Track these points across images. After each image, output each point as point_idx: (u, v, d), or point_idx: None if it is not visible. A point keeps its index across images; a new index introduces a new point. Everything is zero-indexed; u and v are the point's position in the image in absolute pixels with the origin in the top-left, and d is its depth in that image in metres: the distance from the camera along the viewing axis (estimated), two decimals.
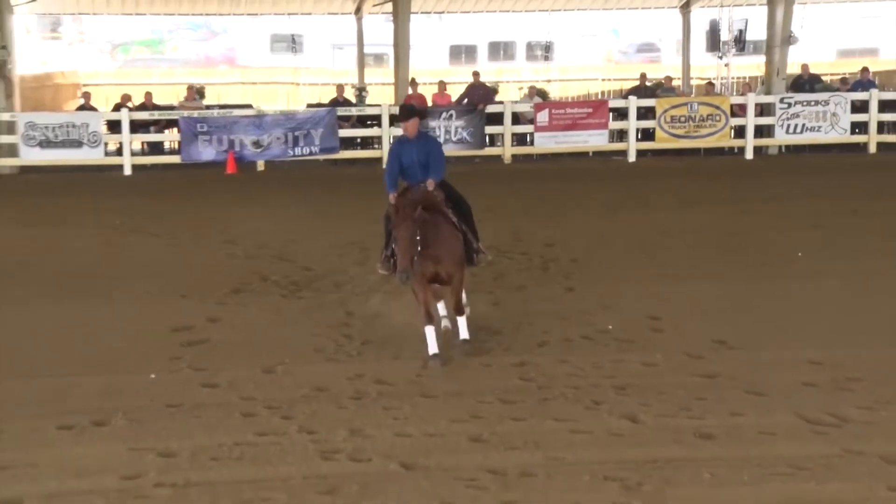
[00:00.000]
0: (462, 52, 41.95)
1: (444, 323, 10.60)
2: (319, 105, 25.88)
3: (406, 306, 10.55)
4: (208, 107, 25.92)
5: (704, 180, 21.28)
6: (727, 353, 10.17)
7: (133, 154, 23.77)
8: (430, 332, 9.96)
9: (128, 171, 23.19)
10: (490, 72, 34.40)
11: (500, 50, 42.69)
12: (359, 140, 25.29)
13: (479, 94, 25.24)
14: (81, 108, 25.54)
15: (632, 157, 24.33)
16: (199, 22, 43.31)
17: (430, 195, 10.24)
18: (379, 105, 25.11)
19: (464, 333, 10.27)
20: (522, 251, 14.59)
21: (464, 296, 10.59)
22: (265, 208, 18.33)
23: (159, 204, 19.02)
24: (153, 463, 7.72)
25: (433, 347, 9.90)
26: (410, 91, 24.71)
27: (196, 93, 27.10)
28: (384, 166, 10.70)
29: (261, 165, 23.55)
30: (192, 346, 10.67)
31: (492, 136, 24.62)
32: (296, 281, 13.22)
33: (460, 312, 10.29)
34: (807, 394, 8.98)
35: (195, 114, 23.99)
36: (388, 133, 23.08)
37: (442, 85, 26.19)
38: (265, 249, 14.86)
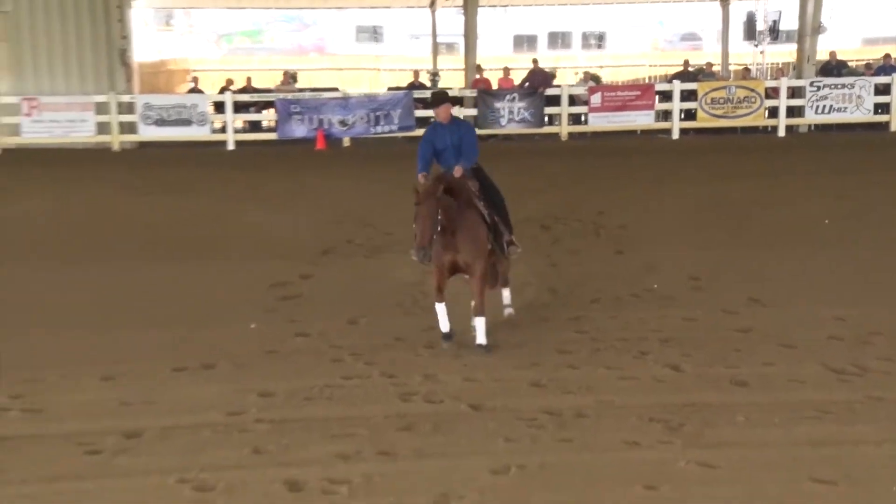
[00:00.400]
0: (524, 41, 41.59)
1: (508, 311, 9.83)
2: (398, 88, 25.84)
3: None
4: (301, 90, 25.97)
5: (741, 156, 20.94)
6: (760, 309, 10.09)
7: (235, 131, 23.92)
8: (440, 309, 9.19)
9: (231, 147, 23.36)
10: (549, 59, 33.99)
11: (558, 39, 42.28)
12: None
13: (539, 78, 25.09)
14: (191, 91, 25.78)
15: (675, 135, 24.00)
16: (293, 15, 43.47)
17: (458, 182, 9.21)
18: (451, 88, 24.93)
19: (481, 338, 9.02)
20: (577, 219, 14.51)
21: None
22: (350, 180, 18.31)
23: (258, 175, 19.09)
24: (254, 401, 7.83)
25: (445, 326, 9.20)
26: (477, 76, 24.62)
27: (290, 77, 27.18)
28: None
29: (346, 142, 23.57)
30: (287, 300, 10.78)
31: (550, 116, 24.41)
32: (377, 244, 13.25)
33: (480, 313, 9.03)
34: (832, 346, 8.90)
35: (289, 96, 24.07)
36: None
37: (506, 70, 26.06)
38: (350, 216, 14.85)
